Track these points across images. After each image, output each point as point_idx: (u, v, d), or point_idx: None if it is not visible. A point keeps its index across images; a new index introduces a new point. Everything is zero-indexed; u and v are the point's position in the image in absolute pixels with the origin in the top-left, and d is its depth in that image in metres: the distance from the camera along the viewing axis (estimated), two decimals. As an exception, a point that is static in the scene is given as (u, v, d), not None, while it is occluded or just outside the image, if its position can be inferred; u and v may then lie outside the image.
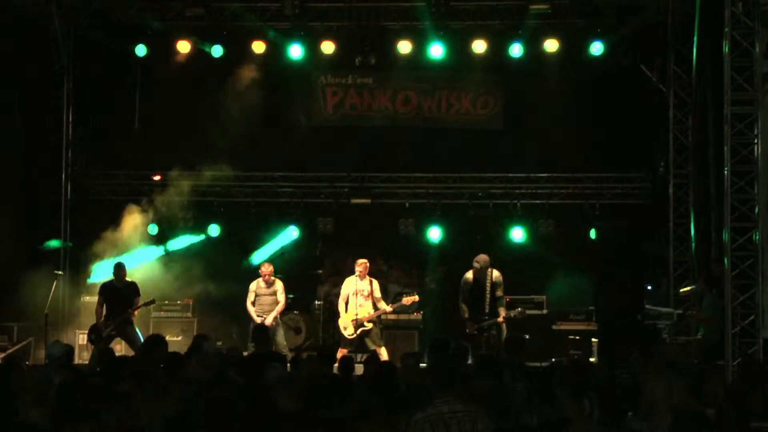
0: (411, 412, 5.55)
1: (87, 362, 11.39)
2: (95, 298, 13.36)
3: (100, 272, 13.76)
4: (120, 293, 11.68)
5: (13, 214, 13.82)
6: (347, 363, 8.37)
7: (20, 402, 6.19)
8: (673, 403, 5.75)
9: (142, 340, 11.44)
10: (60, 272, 12.94)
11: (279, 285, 12.68)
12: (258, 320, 12.16)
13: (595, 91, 14.37)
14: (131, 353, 10.85)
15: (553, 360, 11.90)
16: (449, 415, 5.39)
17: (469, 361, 9.76)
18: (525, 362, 8.34)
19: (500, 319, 11.69)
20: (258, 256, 14.65)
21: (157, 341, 7.84)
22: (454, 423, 5.37)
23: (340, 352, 11.65)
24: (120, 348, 11.90)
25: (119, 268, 11.90)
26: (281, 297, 12.60)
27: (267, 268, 12.70)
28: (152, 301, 12.15)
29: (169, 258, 14.54)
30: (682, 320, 12.38)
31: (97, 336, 11.45)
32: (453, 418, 5.38)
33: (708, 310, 11.34)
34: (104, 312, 11.62)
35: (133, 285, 11.85)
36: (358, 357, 11.47)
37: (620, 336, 12.02)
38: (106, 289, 11.81)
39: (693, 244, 13.39)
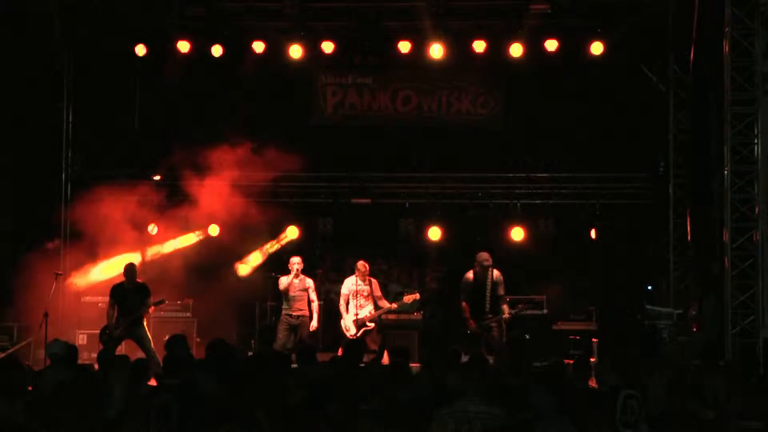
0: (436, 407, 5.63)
1: (88, 362, 11.35)
2: (95, 298, 13.41)
3: (100, 272, 13.75)
4: (131, 295, 11.54)
5: (13, 214, 13.81)
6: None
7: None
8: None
9: (151, 341, 11.42)
10: (60, 272, 12.92)
11: (311, 282, 12.59)
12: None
13: (595, 91, 14.37)
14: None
15: (554, 360, 11.89)
16: (474, 414, 5.47)
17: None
18: (526, 362, 8.36)
19: (506, 315, 11.65)
20: (257, 256, 14.64)
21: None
22: (478, 422, 5.44)
23: (341, 352, 11.64)
24: (121, 349, 11.87)
25: (130, 270, 11.71)
26: (314, 295, 12.50)
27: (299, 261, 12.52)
28: (162, 301, 12.03)
29: (169, 258, 14.53)
30: (682, 320, 12.39)
31: (108, 337, 11.43)
32: (477, 418, 5.46)
33: (708, 311, 11.33)
34: (115, 314, 11.55)
35: (143, 286, 11.68)
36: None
37: (620, 336, 12.05)
38: (116, 291, 11.65)
39: (690, 244, 13.42)
